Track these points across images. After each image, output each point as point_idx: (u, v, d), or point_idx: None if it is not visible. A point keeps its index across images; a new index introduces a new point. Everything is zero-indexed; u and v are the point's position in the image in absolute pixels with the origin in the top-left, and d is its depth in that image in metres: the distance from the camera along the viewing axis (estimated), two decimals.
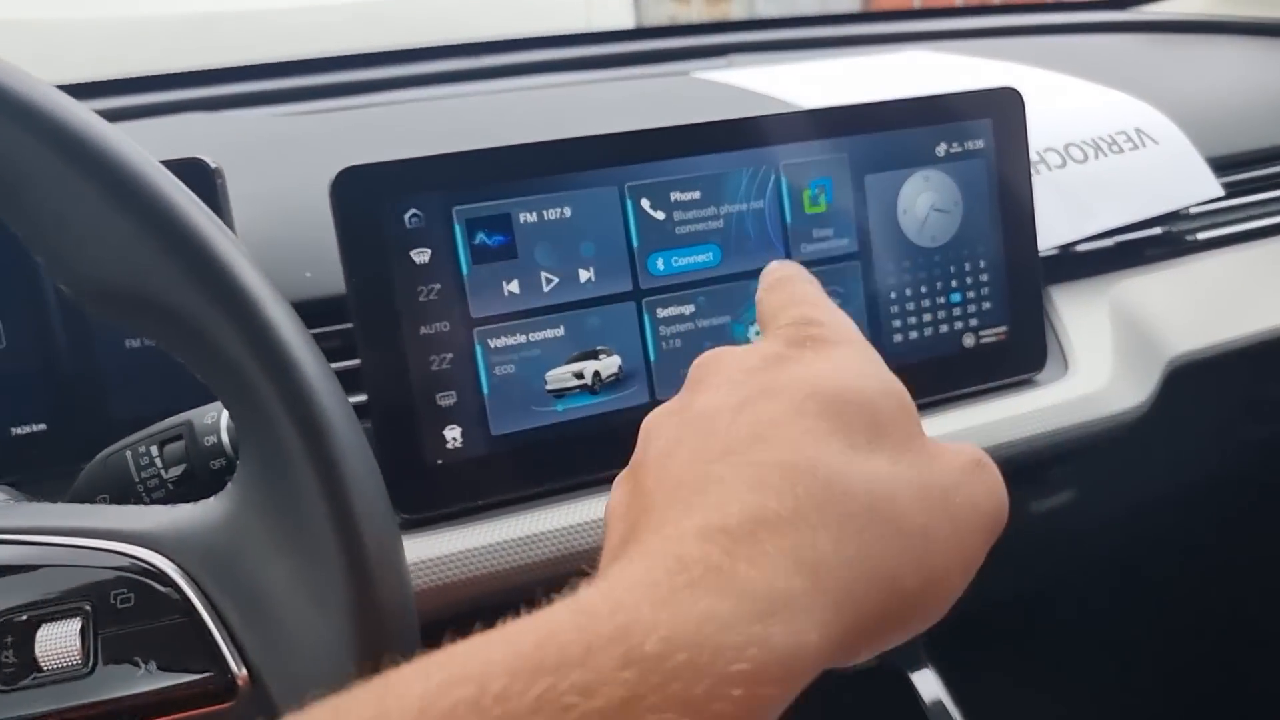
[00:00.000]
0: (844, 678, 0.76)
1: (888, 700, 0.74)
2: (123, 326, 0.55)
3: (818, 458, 0.28)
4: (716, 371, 0.34)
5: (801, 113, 0.61)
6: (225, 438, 0.42)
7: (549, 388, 0.56)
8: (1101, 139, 0.78)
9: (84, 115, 0.31)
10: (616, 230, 0.56)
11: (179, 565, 0.31)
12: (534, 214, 0.55)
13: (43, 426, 0.56)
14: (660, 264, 0.57)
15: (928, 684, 0.73)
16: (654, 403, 0.58)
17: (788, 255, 0.60)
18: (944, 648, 0.78)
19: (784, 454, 0.28)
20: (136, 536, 0.32)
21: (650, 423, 0.34)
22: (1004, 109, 0.65)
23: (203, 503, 0.33)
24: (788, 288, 0.39)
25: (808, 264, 0.59)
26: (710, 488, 0.27)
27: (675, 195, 0.57)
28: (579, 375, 0.56)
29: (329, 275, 0.57)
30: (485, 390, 0.54)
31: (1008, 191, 0.65)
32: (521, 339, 0.55)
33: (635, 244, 0.57)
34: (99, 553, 0.31)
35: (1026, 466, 0.73)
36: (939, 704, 0.71)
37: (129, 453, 0.43)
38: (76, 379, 0.56)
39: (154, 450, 0.43)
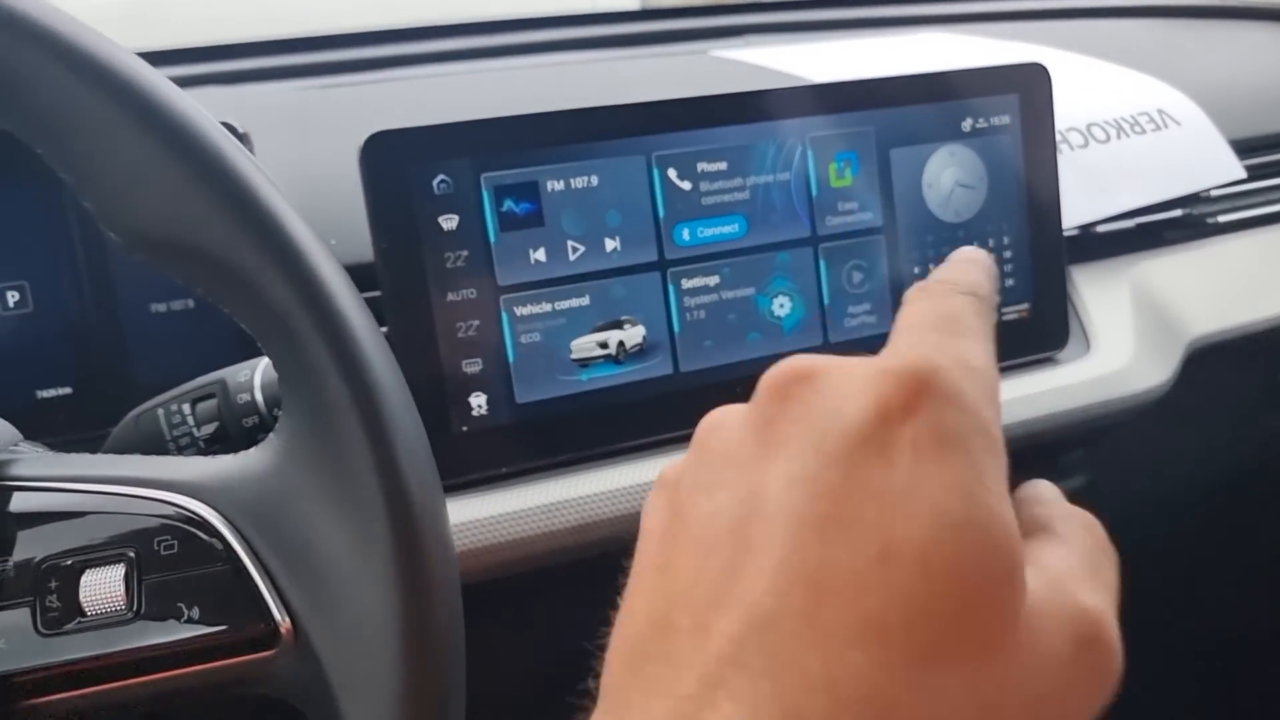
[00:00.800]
0: None
1: None
2: (154, 288, 0.55)
3: (872, 680, 0.22)
4: (793, 419, 0.26)
5: (829, 85, 0.60)
6: (259, 395, 0.42)
7: (573, 357, 0.56)
8: (1124, 119, 0.78)
9: (136, 65, 0.30)
10: (643, 200, 0.56)
11: (222, 514, 0.31)
12: (561, 182, 0.55)
13: (68, 390, 0.56)
14: (686, 234, 0.57)
15: None
16: (677, 374, 0.58)
17: (813, 228, 0.60)
18: None
19: (830, 665, 0.22)
20: (180, 485, 0.32)
21: (708, 424, 0.28)
22: (1030, 85, 0.64)
23: (245, 453, 0.33)
24: (943, 299, 0.30)
25: (832, 237, 0.59)
26: (739, 689, 0.22)
27: (702, 166, 0.57)
28: (603, 345, 0.56)
29: (352, 243, 0.57)
30: (511, 358, 0.54)
31: (1033, 168, 0.65)
32: (547, 307, 0.55)
33: (661, 214, 0.57)
34: (143, 501, 0.32)
35: (1042, 449, 0.73)
36: None
37: (161, 411, 0.43)
38: (101, 343, 0.56)
39: (186, 408, 0.43)
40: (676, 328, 0.57)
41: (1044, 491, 0.30)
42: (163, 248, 0.31)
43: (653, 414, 0.57)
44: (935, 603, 0.22)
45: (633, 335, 0.57)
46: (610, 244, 0.56)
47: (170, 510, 0.31)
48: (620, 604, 0.27)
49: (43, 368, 0.55)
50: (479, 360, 0.54)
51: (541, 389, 0.55)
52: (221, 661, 0.31)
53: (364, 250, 0.53)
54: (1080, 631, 0.25)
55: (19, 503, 0.32)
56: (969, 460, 0.24)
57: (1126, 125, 0.78)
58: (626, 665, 0.25)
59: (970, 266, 0.33)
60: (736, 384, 0.59)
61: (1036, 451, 0.77)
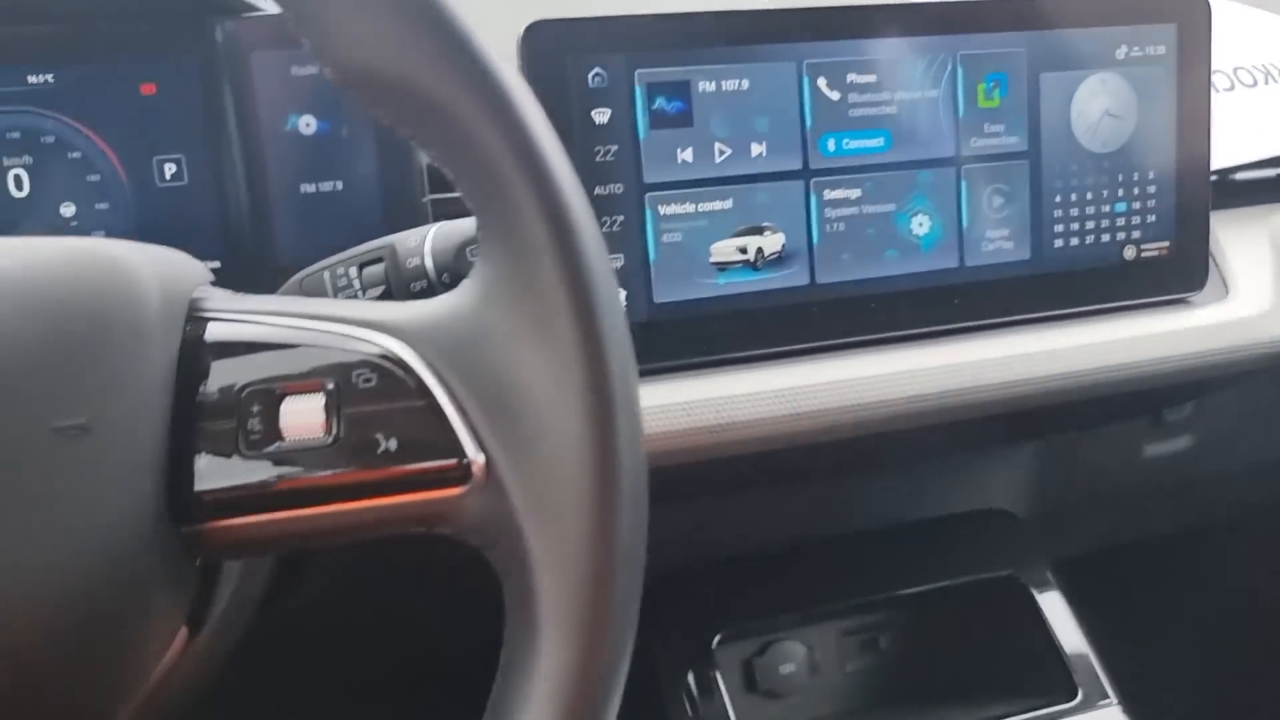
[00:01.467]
0: (966, 585, 0.75)
1: (1011, 613, 0.73)
2: (304, 169, 0.56)
3: None
4: None
5: (985, 2, 0.59)
6: (429, 261, 0.42)
7: (712, 260, 0.56)
8: (1273, 65, 0.75)
9: None
10: (791, 107, 0.56)
11: (419, 354, 0.32)
12: (712, 83, 0.54)
13: (216, 263, 0.57)
14: (831, 145, 0.57)
15: (1054, 606, 0.72)
16: (813, 285, 0.57)
17: (957, 148, 0.59)
18: (1072, 581, 0.77)
19: None
20: (377, 324, 0.32)
21: None
22: (1190, 15, 0.62)
23: (440, 298, 0.33)
24: None
25: (975, 159, 0.59)
26: None
27: (851, 77, 0.57)
28: (742, 250, 0.56)
29: None
30: (652, 256, 0.54)
31: (1185, 102, 0.63)
32: (690, 208, 0.55)
33: (808, 123, 0.56)
34: (340, 337, 0.32)
35: (1149, 400, 0.72)
36: (1068, 625, 0.71)
37: (327, 274, 0.44)
38: (251, 219, 0.57)
39: (353, 271, 0.44)
40: (815, 238, 0.57)
41: None
42: (376, 85, 0.31)
43: (786, 323, 0.57)
44: None
45: (772, 242, 0.56)
46: (756, 149, 0.56)
47: (367, 347, 0.32)
48: None
49: (193, 240, 0.56)
50: (621, 256, 0.54)
51: (679, 289, 0.55)
52: (413, 495, 0.32)
53: None
54: None
55: (220, 332, 0.33)
56: None
57: (1275, 71, 0.75)
58: None
59: None
60: (871, 299, 0.59)
61: (1142, 402, 0.76)
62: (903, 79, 0.58)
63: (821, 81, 0.56)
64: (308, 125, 0.57)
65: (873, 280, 0.58)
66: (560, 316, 0.31)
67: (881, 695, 0.73)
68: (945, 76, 0.58)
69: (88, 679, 0.31)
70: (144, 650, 0.32)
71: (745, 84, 0.55)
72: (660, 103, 0.54)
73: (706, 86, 0.54)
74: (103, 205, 0.56)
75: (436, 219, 0.53)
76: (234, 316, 0.34)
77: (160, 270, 0.33)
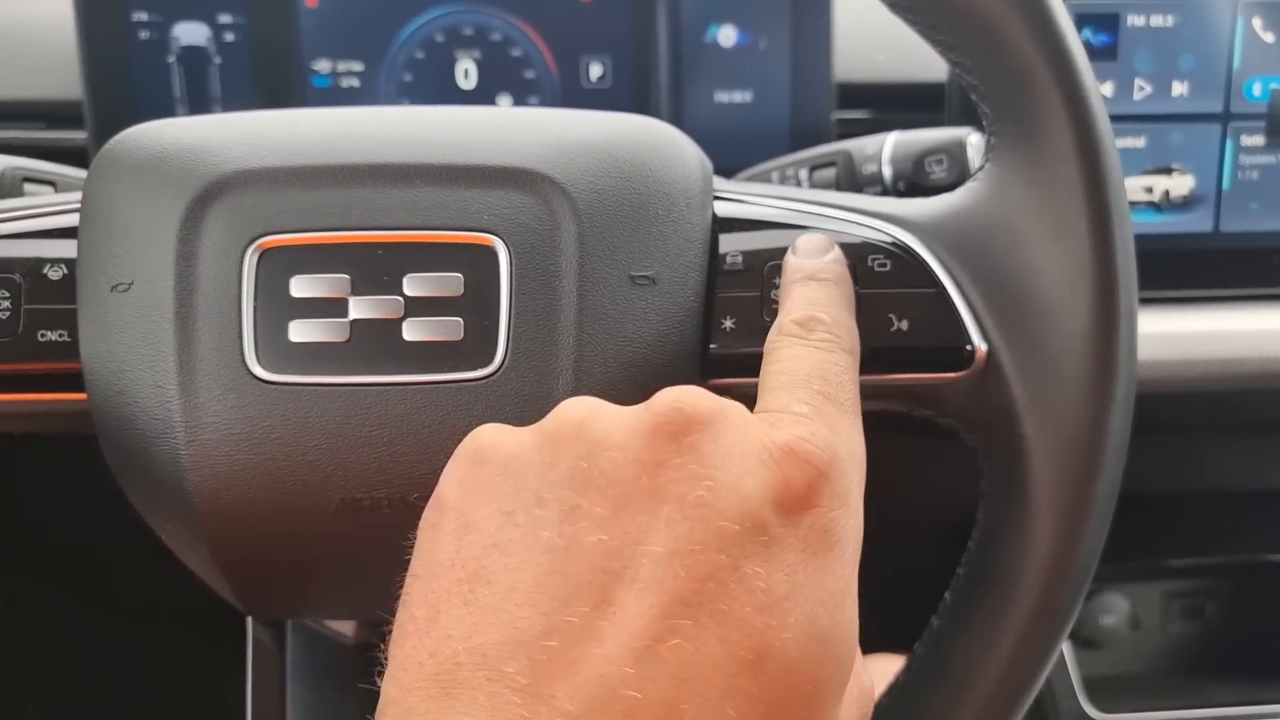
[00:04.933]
0: None
1: None
2: (722, 78, 0.59)
3: None
4: (687, 474, 0.24)
5: None
6: (886, 168, 0.44)
7: None
8: None
9: None
10: (1219, 47, 0.55)
11: (928, 247, 0.34)
12: (1143, 18, 0.54)
13: None
14: (1257, 89, 0.55)
15: None
16: (1216, 233, 0.56)
17: None
18: None
19: None
20: (888, 216, 0.35)
21: (579, 416, 0.26)
22: None
23: (945, 196, 0.35)
24: (826, 355, 0.30)
25: None
26: None
27: None
28: (1149, 189, 0.56)
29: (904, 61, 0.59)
30: None
31: None
32: None
33: (1236, 64, 0.55)
34: (854, 224, 0.35)
35: None
36: None
37: (776, 174, 0.47)
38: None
39: (803, 173, 0.46)
40: (1226, 184, 0.56)
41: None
42: None
43: (1185, 269, 0.56)
44: (790, 713, 0.23)
45: (1180, 184, 0.56)
46: (1178, 88, 0.55)
47: (878, 235, 0.35)
48: (412, 599, 0.25)
49: None
50: None
51: None
52: (915, 375, 0.34)
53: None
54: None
55: (734, 210, 0.36)
56: (843, 567, 0.24)
57: None
58: (431, 698, 0.22)
59: (842, 304, 0.32)
60: (1274, 254, 0.57)
61: None
62: None
63: (1256, 21, 0.54)
64: (728, 36, 0.60)
65: None
66: (1080, 220, 0.32)
67: (1202, 664, 0.72)
68: None
69: None
70: None
71: (1176, 20, 0.54)
72: (1087, 34, 0.54)
73: (1136, 20, 0.54)
74: (534, 100, 0.62)
75: (840, 138, 0.55)
76: (744, 198, 0.37)
77: (695, 148, 0.37)
